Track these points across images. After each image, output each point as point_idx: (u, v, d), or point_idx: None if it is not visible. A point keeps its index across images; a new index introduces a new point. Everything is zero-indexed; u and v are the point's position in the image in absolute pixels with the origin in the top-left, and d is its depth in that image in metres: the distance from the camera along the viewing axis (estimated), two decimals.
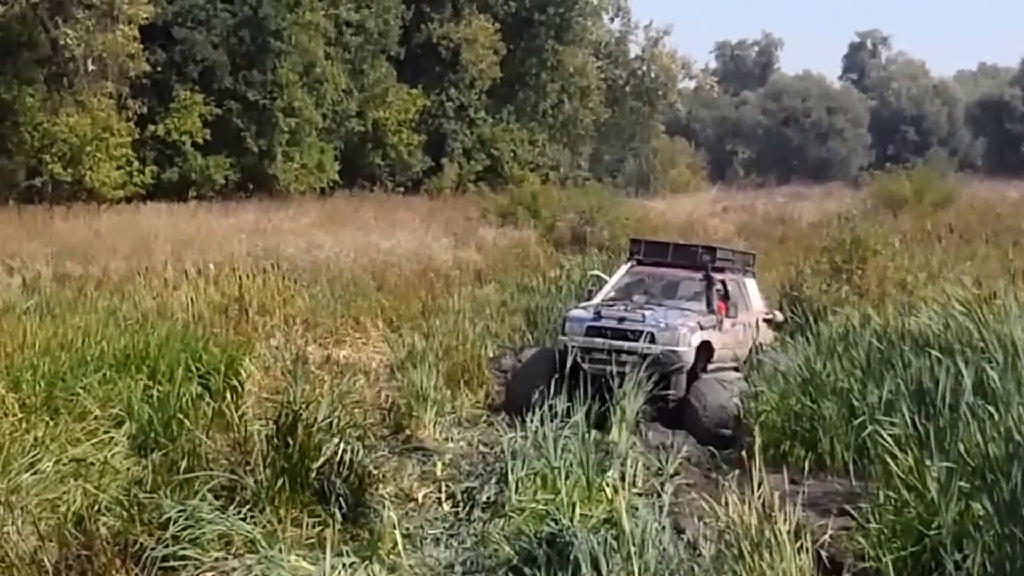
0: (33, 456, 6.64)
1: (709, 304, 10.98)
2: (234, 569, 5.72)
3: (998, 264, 12.98)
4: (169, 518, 5.92)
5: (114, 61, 25.29)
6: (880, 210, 25.62)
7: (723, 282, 11.29)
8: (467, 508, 7.08)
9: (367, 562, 5.93)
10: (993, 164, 64.20)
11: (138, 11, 25.21)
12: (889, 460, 6.36)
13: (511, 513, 6.68)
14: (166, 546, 5.78)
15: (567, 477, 6.90)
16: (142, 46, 26.46)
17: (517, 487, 6.95)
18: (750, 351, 10.97)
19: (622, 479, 7.03)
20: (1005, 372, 7.06)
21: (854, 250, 14.05)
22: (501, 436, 8.50)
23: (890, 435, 6.73)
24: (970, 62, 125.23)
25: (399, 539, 6.17)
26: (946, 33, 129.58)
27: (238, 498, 6.43)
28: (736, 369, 10.54)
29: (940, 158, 55.53)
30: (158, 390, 8.15)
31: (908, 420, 6.92)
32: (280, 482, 6.55)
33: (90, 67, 25.21)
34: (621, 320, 10.44)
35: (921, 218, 23.71)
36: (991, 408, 6.41)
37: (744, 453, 7.40)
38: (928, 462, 6.01)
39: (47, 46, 25.87)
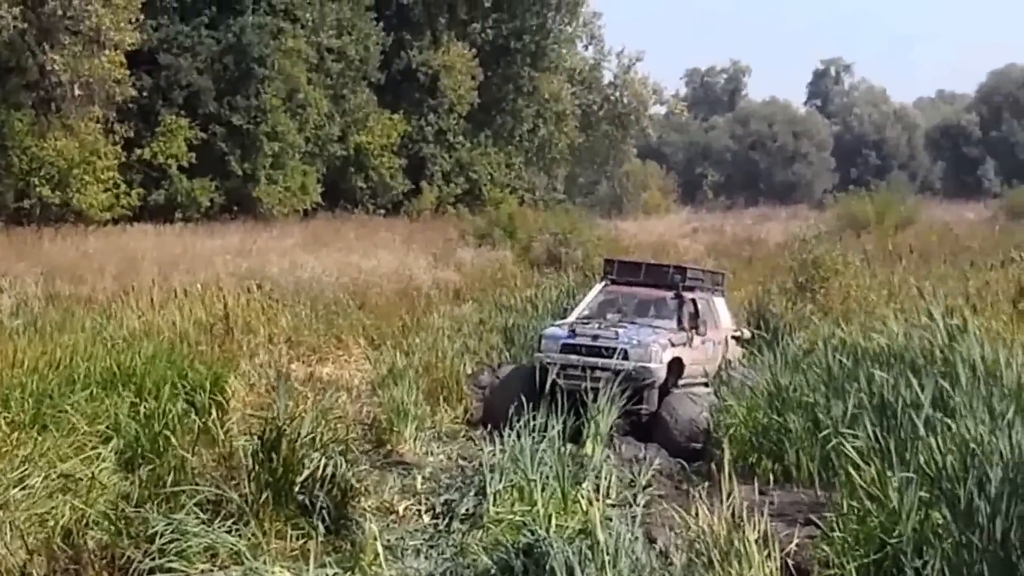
0: (22, 472, 6.66)
1: (680, 322, 11.17)
2: None
3: (955, 283, 13.25)
4: (156, 531, 6.01)
5: (101, 86, 25.26)
6: (845, 231, 25.95)
7: (693, 301, 11.46)
8: (446, 520, 7.17)
9: (349, 573, 6.03)
10: (951, 187, 65.29)
11: (124, 38, 25.17)
12: (852, 471, 6.46)
13: (489, 524, 6.77)
14: (153, 559, 5.88)
15: (543, 489, 6.97)
16: (128, 72, 26.41)
17: (495, 499, 7.04)
18: (719, 367, 11.13)
19: (596, 491, 7.18)
20: (961, 385, 7.22)
21: (815, 270, 14.34)
22: (479, 450, 8.69)
23: (853, 447, 6.83)
24: (929, 89, 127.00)
25: (380, 550, 6.21)
26: (906, 61, 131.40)
27: (223, 512, 6.52)
28: (706, 384, 10.63)
29: (901, 181, 56.17)
30: (145, 407, 8.18)
31: (870, 433, 7.07)
32: (264, 496, 6.65)
33: (77, 92, 25.13)
34: (595, 337, 10.61)
35: (883, 239, 23.90)
36: (948, 420, 6.55)
37: (713, 465, 7.46)
38: (889, 473, 6.14)
39: (35, 71, 25.78)
